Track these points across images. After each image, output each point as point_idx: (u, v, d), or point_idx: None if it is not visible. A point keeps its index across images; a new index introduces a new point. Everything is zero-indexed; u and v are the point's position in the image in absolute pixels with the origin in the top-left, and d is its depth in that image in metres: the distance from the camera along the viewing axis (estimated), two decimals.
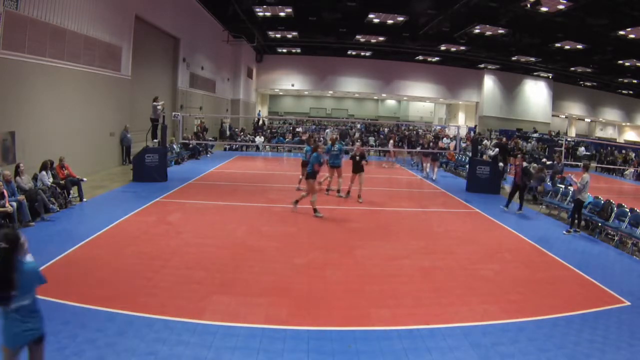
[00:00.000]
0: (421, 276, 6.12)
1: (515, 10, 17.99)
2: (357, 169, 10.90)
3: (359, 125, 30.52)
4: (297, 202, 9.47)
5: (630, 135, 42.87)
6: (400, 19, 21.19)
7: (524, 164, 11.03)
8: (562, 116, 40.42)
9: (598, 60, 26.70)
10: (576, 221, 8.99)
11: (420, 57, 32.36)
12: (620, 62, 25.69)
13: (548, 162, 16.23)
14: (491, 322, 4.79)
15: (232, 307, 4.86)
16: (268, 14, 21.57)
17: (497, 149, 16.53)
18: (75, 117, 11.60)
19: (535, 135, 27.13)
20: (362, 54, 32.23)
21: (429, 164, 16.31)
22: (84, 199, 9.53)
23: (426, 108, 42.75)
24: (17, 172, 8.10)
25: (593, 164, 21.96)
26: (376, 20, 21.73)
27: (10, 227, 3.21)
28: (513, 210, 10.42)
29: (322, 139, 24.66)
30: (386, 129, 29.15)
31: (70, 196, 9.23)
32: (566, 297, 5.59)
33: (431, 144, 19.99)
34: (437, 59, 32.01)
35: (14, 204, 7.21)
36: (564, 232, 8.95)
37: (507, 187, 13.08)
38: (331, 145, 11.15)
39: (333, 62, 33.31)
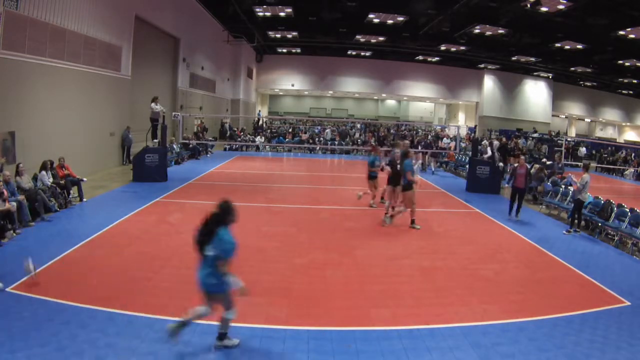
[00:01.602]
0: (421, 276, 6.12)
1: (515, 10, 17.99)
2: (397, 180, 8.91)
3: (358, 125, 30.50)
4: (392, 217, 8.74)
5: (630, 135, 42.86)
6: (400, 19, 21.19)
7: (526, 165, 10.25)
8: (562, 116, 40.41)
9: (598, 60, 26.69)
10: (576, 221, 8.99)
11: (420, 57, 32.36)
12: (620, 62, 25.67)
13: (548, 162, 16.24)
14: (491, 322, 4.79)
15: None
16: (268, 14, 21.58)
17: (489, 149, 16.63)
18: (75, 117, 11.60)
19: (535, 135, 27.13)
20: (362, 54, 32.23)
21: (421, 161, 17.27)
22: (84, 199, 9.53)
23: (426, 108, 42.75)
24: (17, 172, 8.10)
25: (593, 164, 21.97)
26: (376, 20, 21.73)
27: (226, 200, 3.97)
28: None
29: (322, 139, 24.74)
30: (392, 130, 28.77)
31: (70, 196, 9.23)
32: (566, 297, 5.59)
33: (429, 141, 20.36)
34: (437, 59, 32.01)
35: (14, 203, 7.20)
36: (564, 232, 8.95)
37: (507, 187, 13.01)
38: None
39: (333, 62, 33.31)
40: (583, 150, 25.18)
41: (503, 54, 28.40)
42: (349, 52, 32.10)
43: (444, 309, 5.05)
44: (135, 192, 10.74)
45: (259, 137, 24.63)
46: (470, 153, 15.73)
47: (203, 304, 3.94)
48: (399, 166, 8.85)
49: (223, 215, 3.86)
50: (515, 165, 10.26)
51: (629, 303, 5.47)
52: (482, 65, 33.26)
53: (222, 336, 4.06)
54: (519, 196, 9.75)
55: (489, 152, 16.36)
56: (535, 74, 34.59)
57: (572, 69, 30.82)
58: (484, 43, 24.71)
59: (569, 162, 21.13)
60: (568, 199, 10.43)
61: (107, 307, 4.68)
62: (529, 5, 16.63)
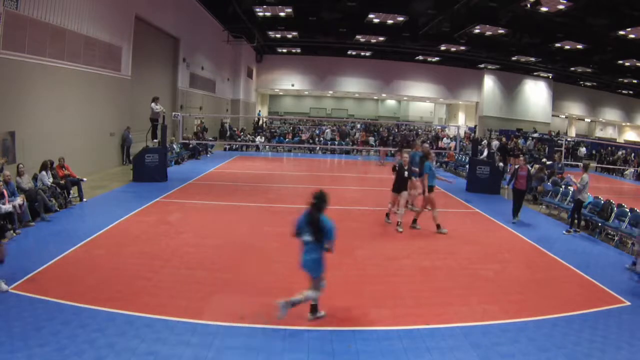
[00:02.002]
0: (421, 276, 6.12)
1: (515, 10, 17.99)
2: (402, 186, 8.44)
3: (359, 125, 30.49)
4: (438, 226, 8.38)
5: (630, 135, 42.87)
6: (400, 19, 21.19)
7: (527, 167, 10.10)
8: (562, 116, 40.41)
9: (598, 60, 26.69)
10: (576, 221, 8.98)
11: (420, 57, 32.35)
12: (620, 62, 25.68)
13: (548, 162, 16.26)
14: (491, 322, 4.79)
15: (232, 307, 4.86)
16: (268, 14, 21.58)
17: (485, 150, 16.66)
18: (75, 117, 11.60)
19: (535, 135, 27.14)
20: (362, 54, 32.22)
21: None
22: (84, 199, 9.53)
23: (426, 108, 42.75)
24: (18, 173, 8.10)
25: (593, 164, 21.98)
26: (376, 20, 21.73)
27: (321, 190, 4.58)
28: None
29: (322, 139, 24.74)
30: (393, 130, 28.45)
31: (70, 196, 9.23)
32: (566, 297, 5.59)
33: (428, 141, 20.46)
34: (437, 59, 32.00)
35: (19, 200, 7.19)
36: (564, 232, 8.94)
37: (507, 188, 12.99)
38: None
39: (333, 62, 33.31)
40: (583, 150, 25.19)
41: (503, 54, 28.40)
42: (349, 52, 32.09)
43: (444, 309, 5.05)
44: (135, 192, 10.74)
45: (259, 137, 24.63)
46: (469, 153, 15.74)
47: (310, 289, 4.59)
48: (406, 172, 8.34)
49: (320, 204, 4.46)
50: (517, 166, 10.07)
51: (629, 303, 5.47)
52: (482, 65, 33.26)
53: (293, 303, 4.50)
54: (519, 197, 9.67)
55: (485, 152, 16.38)
56: (535, 74, 34.59)
57: (572, 69, 30.82)
58: (484, 43, 24.70)
59: (569, 162, 21.13)
60: (568, 199, 10.43)
61: (107, 307, 4.68)
62: (529, 5, 16.63)
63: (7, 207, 6.74)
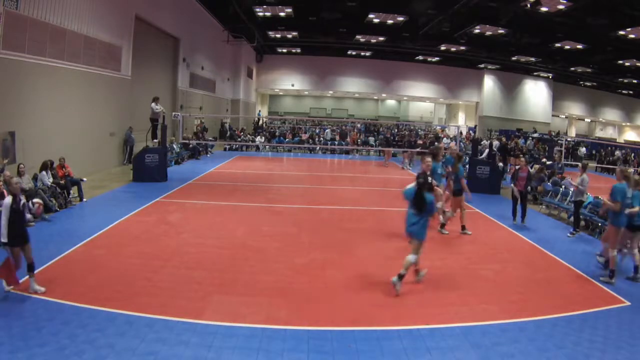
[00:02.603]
0: None
1: (515, 10, 17.99)
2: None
3: (359, 125, 30.48)
4: (443, 225, 8.36)
5: (630, 135, 42.86)
6: (400, 19, 21.20)
7: (528, 168, 9.88)
8: (562, 116, 40.41)
9: (598, 60, 26.69)
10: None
11: (420, 57, 32.35)
12: (620, 62, 25.67)
13: (548, 162, 16.25)
14: (491, 322, 4.79)
15: (232, 307, 4.86)
16: (268, 14, 21.59)
17: (487, 150, 16.66)
18: (75, 117, 11.60)
19: (535, 135, 27.12)
20: (362, 54, 32.23)
21: (407, 160, 18.73)
22: (84, 199, 9.54)
23: (426, 108, 42.75)
24: (18, 173, 8.10)
25: (592, 164, 21.98)
26: (376, 20, 21.74)
27: (424, 173, 5.57)
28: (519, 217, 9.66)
29: (322, 139, 24.74)
30: (393, 130, 28.31)
31: (70, 196, 9.24)
32: (566, 297, 5.59)
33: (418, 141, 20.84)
34: (437, 59, 32.00)
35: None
36: (568, 234, 8.80)
37: (507, 188, 12.96)
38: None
39: (333, 62, 33.31)
40: (583, 150, 25.18)
41: (503, 54, 28.39)
42: (349, 52, 32.09)
43: (444, 309, 5.05)
44: (135, 192, 10.75)
45: (259, 137, 24.62)
46: (469, 153, 15.71)
47: (411, 253, 5.42)
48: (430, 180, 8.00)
49: (424, 184, 5.40)
50: (517, 167, 9.88)
51: (629, 303, 5.47)
52: (482, 65, 33.26)
53: (400, 277, 5.33)
54: (521, 199, 9.42)
55: (486, 152, 16.36)
56: (535, 74, 34.58)
57: (572, 69, 30.81)
58: (484, 43, 24.70)
59: (569, 162, 21.13)
60: (568, 199, 10.42)
61: (107, 307, 4.68)
62: (529, 5, 16.63)
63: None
